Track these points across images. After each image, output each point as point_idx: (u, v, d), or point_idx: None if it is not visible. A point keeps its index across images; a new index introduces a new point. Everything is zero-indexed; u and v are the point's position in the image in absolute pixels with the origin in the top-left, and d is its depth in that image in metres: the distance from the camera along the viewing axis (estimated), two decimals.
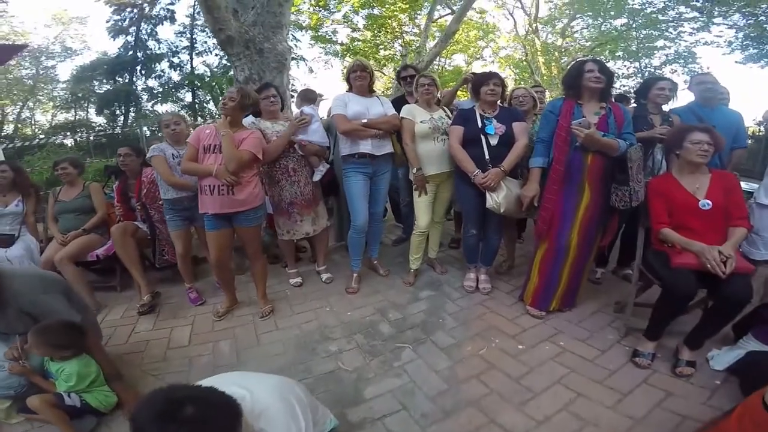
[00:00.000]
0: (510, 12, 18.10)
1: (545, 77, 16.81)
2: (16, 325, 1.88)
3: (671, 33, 14.98)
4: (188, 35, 17.22)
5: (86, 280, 3.10)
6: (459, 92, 3.92)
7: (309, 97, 3.52)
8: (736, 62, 13.93)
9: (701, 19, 13.66)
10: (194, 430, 0.89)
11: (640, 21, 14.96)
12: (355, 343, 2.49)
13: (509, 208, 2.63)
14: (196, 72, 17.27)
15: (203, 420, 0.89)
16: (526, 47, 17.71)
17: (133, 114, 17.30)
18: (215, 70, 16.97)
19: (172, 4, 16.81)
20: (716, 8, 12.90)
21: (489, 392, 2.02)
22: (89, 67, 17.43)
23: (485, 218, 2.86)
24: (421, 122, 2.88)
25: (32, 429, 1.90)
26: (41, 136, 14.10)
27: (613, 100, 2.54)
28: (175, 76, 17.60)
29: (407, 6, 13.18)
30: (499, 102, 2.82)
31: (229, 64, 4.81)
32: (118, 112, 17.55)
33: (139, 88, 17.69)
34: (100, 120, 17.72)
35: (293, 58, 14.63)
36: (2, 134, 16.01)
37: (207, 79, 16.77)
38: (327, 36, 14.77)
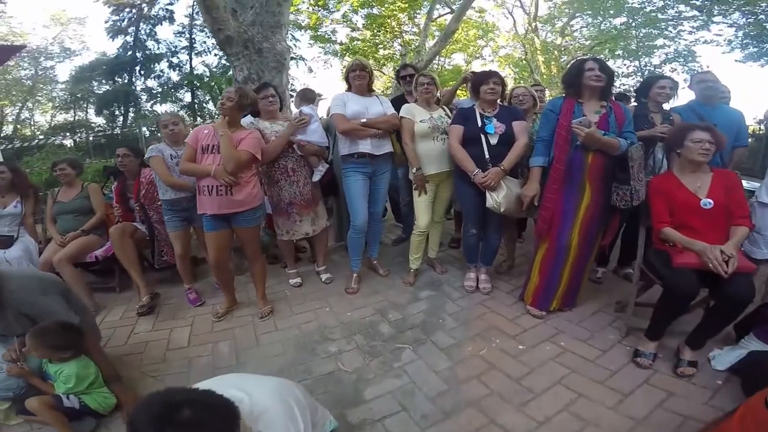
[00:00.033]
0: (509, 11, 18.13)
1: (545, 76, 16.81)
2: (15, 327, 1.88)
3: (671, 32, 14.99)
4: (187, 35, 17.27)
5: (85, 281, 3.09)
6: (458, 91, 3.91)
7: (308, 96, 3.51)
8: (735, 61, 13.99)
9: (701, 17, 13.66)
10: None
11: (639, 19, 14.96)
12: (355, 343, 2.48)
13: (509, 207, 2.62)
14: (195, 72, 17.30)
15: (200, 423, 0.88)
16: (525, 46, 17.71)
17: (132, 114, 17.31)
18: (214, 70, 16.99)
19: (170, 4, 16.88)
20: (716, 7, 12.90)
21: (489, 393, 2.01)
22: (88, 67, 17.46)
23: (485, 218, 2.85)
24: (420, 121, 2.87)
25: (31, 431, 1.90)
26: (40, 137, 14.10)
27: (614, 98, 2.53)
28: (175, 76, 17.69)
29: (406, 5, 13.16)
30: (498, 101, 2.81)
31: (228, 64, 4.81)
32: (117, 112, 17.58)
33: (138, 88, 17.76)
34: (100, 120, 17.77)
35: (292, 58, 14.61)
36: (1, 135, 16.03)
37: (206, 79, 16.79)
38: (326, 35, 14.78)
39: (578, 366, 2.18)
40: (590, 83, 2.32)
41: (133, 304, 3.03)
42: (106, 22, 16.72)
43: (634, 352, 2.20)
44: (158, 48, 17.42)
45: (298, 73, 17.70)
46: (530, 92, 3.20)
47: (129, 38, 17.10)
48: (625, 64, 16.89)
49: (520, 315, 2.72)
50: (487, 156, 2.65)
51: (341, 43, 14.86)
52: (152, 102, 17.67)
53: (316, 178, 3.10)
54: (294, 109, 3.82)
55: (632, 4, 14.77)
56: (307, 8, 13.63)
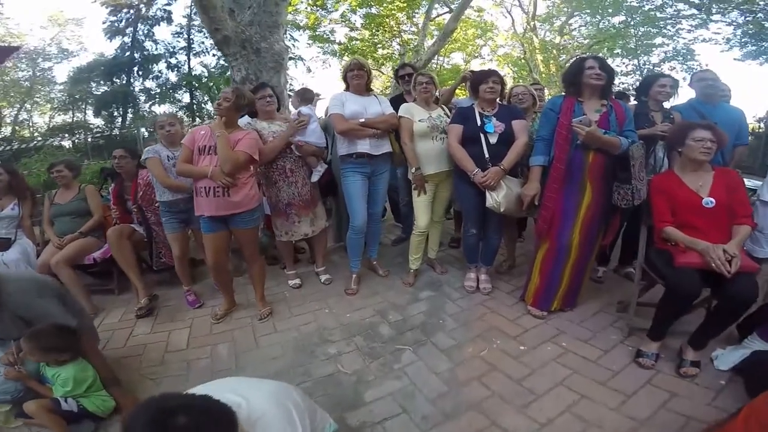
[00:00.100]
0: (508, 10, 18.09)
1: (544, 75, 16.81)
2: (11, 330, 1.86)
3: (669, 30, 15.01)
4: (185, 36, 17.23)
5: (83, 284, 3.07)
6: (457, 90, 3.89)
7: (306, 96, 3.49)
8: (734, 59, 13.97)
9: (699, 16, 13.66)
10: None
11: (638, 18, 14.98)
12: (355, 345, 2.47)
13: (509, 207, 2.60)
14: (193, 72, 17.26)
15: (196, 429, 0.87)
16: (524, 45, 17.69)
17: (131, 115, 17.28)
18: (213, 70, 16.96)
19: (168, 4, 16.83)
20: (714, 5, 12.90)
21: (490, 394, 2.00)
22: (86, 68, 17.42)
23: (485, 217, 2.84)
24: (419, 121, 2.86)
25: None
26: (39, 139, 14.07)
27: (614, 97, 2.51)
28: (173, 76, 17.65)
29: (405, 4, 13.15)
30: (498, 100, 2.79)
31: (226, 64, 4.78)
32: (115, 113, 17.54)
33: (137, 89, 17.72)
34: (98, 121, 17.72)
35: (291, 58, 14.61)
36: (0, 136, 15.97)
37: (205, 80, 16.74)
38: (325, 35, 14.75)
39: (580, 367, 2.17)
40: (590, 82, 2.30)
41: (132, 306, 3.01)
42: (103, 22, 16.70)
43: (637, 352, 2.19)
44: (156, 49, 17.40)
45: (297, 73, 17.73)
46: (530, 91, 3.19)
47: (127, 39, 17.07)
48: (624, 63, 16.94)
49: (520, 315, 2.70)
50: (486, 155, 2.64)
51: (340, 43, 14.85)
52: (151, 103, 17.65)
53: (315, 178, 3.08)
54: (292, 109, 3.81)
55: (631, 2, 14.78)
56: (306, 8, 13.62)
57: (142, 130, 10.62)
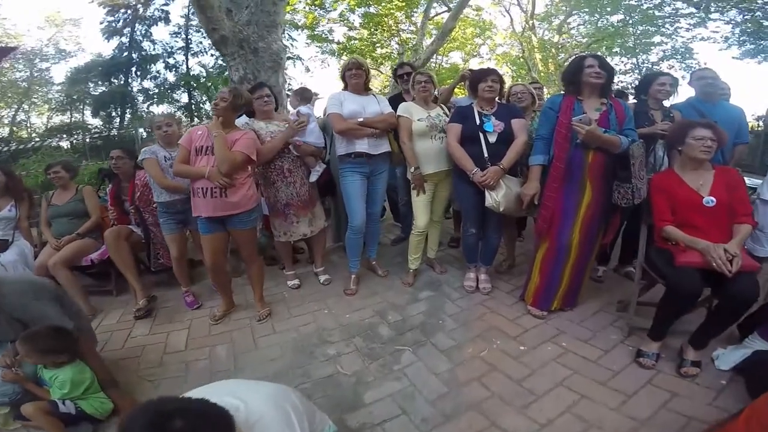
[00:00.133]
0: (506, 9, 18.11)
1: (542, 74, 16.80)
2: (8, 332, 1.85)
3: (668, 29, 15.06)
4: (183, 36, 17.18)
5: (81, 285, 3.05)
6: (456, 90, 3.88)
7: (305, 95, 3.48)
8: (732, 58, 13.98)
9: (698, 14, 13.68)
10: None
11: (636, 17, 15.01)
12: (354, 346, 2.45)
13: (509, 206, 2.59)
14: (191, 73, 17.21)
15: None
16: (522, 44, 17.71)
17: (129, 116, 17.24)
18: (211, 70, 16.90)
19: (166, 4, 16.79)
20: (713, 4, 12.91)
21: (490, 395, 1.99)
22: (84, 68, 17.34)
23: (485, 217, 2.82)
24: (418, 120, 2.84)
25: None
26: (37, 139, 14.04)
27: (613, 95, 2.50)
28: (171, 77, 17.58)
29: (403, 4, 13.14)
30: (497, 99, 2.78)
31: (224, 64, 4.78)
32: (113, 113, 17.49)
33: (135, 89, 17.66)
34: (96, 122, 17.67)
35: (289, 58, 14.60)
36: None
37: (203, 80, 16.69)
38: (323, 35, 14.76)
39: (580, 367, 2.16)
40: (590, 80, 2.29)
41: (130, 308, 3.00)
42: (101, 23, 16.63)
43: (637, 352, 2.18)
44: (154, 49, 17.33)
45: (296, 73, 17.69)
46: (529, 90, 3.18)
47: (124, 39, 17.00)
48: (622, 62, 16.96)
49: (520, 315, 2.69)
50: (485, 154, 2.62)
51: (338, 43, 14.86)
52: (149, 103, 17.58)
53: (313, 178, 3.07)
54: (291, 109, 3.79)
55: (629, 1, 14.82)
56: (304, 7, 13.62)
57: (141, 130, 10.61)
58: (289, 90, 5.37)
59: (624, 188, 2.28)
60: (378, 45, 14.66)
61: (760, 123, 9.58)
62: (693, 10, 13.74)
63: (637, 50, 16.25)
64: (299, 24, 14.21)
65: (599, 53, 13.82)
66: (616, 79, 2.41)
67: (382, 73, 15.89)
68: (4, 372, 1.85)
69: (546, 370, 2.15)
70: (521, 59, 18.10)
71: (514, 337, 2.46)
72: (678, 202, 2.12)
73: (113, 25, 16.66)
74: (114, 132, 15.62)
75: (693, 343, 2.08)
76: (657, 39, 15.66)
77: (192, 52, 17.28)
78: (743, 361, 2.01)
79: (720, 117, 2.62)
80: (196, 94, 17.55)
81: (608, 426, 1.77)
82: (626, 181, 2.25)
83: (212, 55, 16.60)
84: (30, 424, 1.85)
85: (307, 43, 15.51)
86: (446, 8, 12.56)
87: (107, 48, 17.67)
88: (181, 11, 17.20)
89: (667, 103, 2.88)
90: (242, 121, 2.85)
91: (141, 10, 16.67)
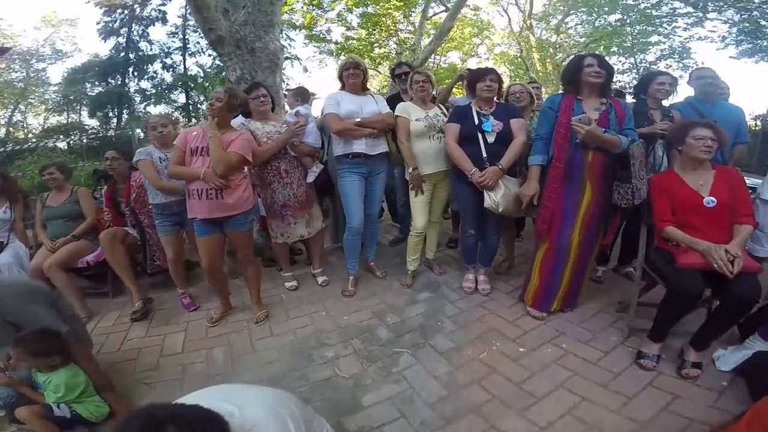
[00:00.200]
0: (504, 8, 18.10)
1: (540, 74, 16.81)
2: (1, 336, 1.83)
3: (665, 28, 15.09)
4: (180, 36, 17.11)
5: (76, 287, 3.02)
6: (454, 89, 3.86)
7: (303, 95, 3.46)
8: (730, 57, 14.00)
9: (695, 14, 13.70)
10: None
11: (634, 16, 15.04)
12: (352, 348, 2.44)
13: (508, 207, 2.57)
14: (189, 73, 17.15)
15: None
16: (520, 44, 17.72)
17: (126, 116, 17.17)
18: (208, 70, 16.86)
19: (163, 4, 16.69)
20: (710, 3, 12.94)
21: (490, 398, 1.97)
22: (81, 69, 17.27)
23: (483, 218, 2.81)
24: (416, 120, 2.82)
25: None
26: (33, 140, 13.97)
27: (613, 95, 2.49)
28: (168, 77, 17.48)
29: (401, 3, 13.13)
30: (495, 98, 2.76)
31: (222, 64, 4.76)
32: (111, 114, 17.41)
33: (132, 89, 17.56)
34: (93, 123, 17.58)
35: (287, 58, 14.57)
36: None
37: (200, 80, 16.65)
38: (321, 35, 14.73)
39: (580, 368, 2.14)
40: (589, 80, 2.28)
41: (127, 310, 2.98)
42: (97, 23, 16.52)
43: (637, 353, 2.17)
44: (151, 49, 17.24)
45: (293, 73, 17.67)
46: (527, 89, 3.16)
47: (121, 39, 16.91)
48: (620, 61, 16.97)
49: (520, 316, 2.67)
50: (484, 155, 2.61)
51: (336, 43, 14.83)
52: (146, 103, 17.51)
53: (311, 179, 3.04)
54: (288, 109, 3.77)
55: (627, 1, 14.81)
56: (302, 7, 13.58)
57: (138, 131, 10.54)
58: (286, 90, 5.34)
59: (624, 188, 2.26)
60: (376, 45, 14.64)
61: (758, 122, 9.60)
62: (690, 9, 13.76)
63: (635, 50, 16.28)
64: (297, 24, 14.18)
65: (597, 52, 13.91)
66: (614, 79, 2.39)
67: (380, 73, 15.87)
68: None
69: (546, 373, 2.13)
70: (519, 59, 18.12)
71: (514, 338, 2.45)
72: (678, 203, 2.11)
73: (110, 25, 16.58)
74: (111, 133, 15.53)
75: (694, 345, 2.06)
76: (654, 38, 15.71)
77: (189, 52, 17.22)
78: (744, 363, 2.00)
79: (719, 116, 2.61)
80: (193, 94, 17.48)
81: (609, 428, 1.76)
82: (626, 181, 2.24)
83: (210, 56, 16.56)
84: (25, 428, 1.83)
85: (305, 43, 15.59)
86: (444, 8, 12.56)
87: (104, 48, 17.60)
88: (179, 11, 17.11)
89: (666, 103, 2.87)
90: (238, 121, 2.82)
91: (138, 10, 16.60)
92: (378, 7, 13.33)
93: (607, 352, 2.27)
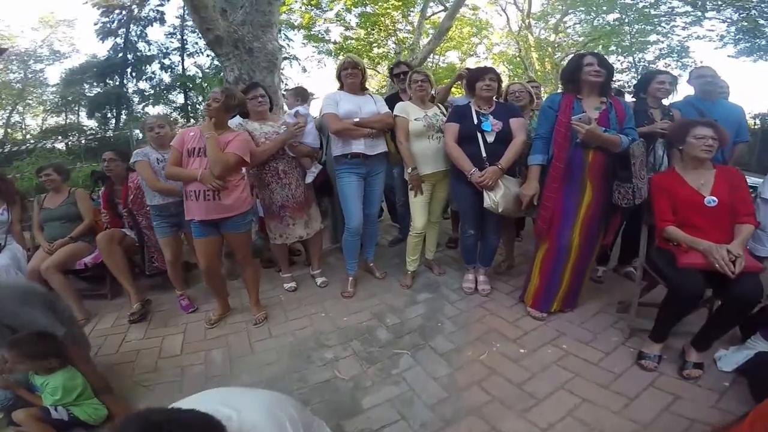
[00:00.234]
0: (503, 8, 18.10)
1: (539, 73, 16.82)
2: None
3: (664, 27, 15.08)
4: (179, 36, 17.07)
5: (74, 289, 3.00)
6: (453, 89, 3.85)
7: (302, 95, 3.44)
8: (728, 56, 14.01)
9: (693, 13, 13.71)
10: None
11: (632, 15, 15.05)
12: (352, 350, 2.42)
13: (508, 207, 2.56)
14: (187, 73, 17.12)
15: None
16: (519, 43, 17.73)
17: (124, 117, 17.15)
18: (207, 71, 16.82)
19: (161, 5, 16.66)
20: (708, 2, 12.94)
21: (490, 399, 1.96)
22: (79, 70, 17.23)
23: (483, 218, 2.79)
24: (415, 120, 2.81)
25: None
26: (31, 141, 13.95)
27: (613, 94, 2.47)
28: (167, 77, 17.44)
29: (400, 3, 13.12)
30: (495, 98, 2.74)
31: (220, 64, 4.75)
32: (109, 115, 17.38)
33: (130, 90, 17.52)
34: (92, 123, 17.55)
35: (285, 58, 14.55)
36: None
37: (199, 81, 16.63)
38: (320, 35, 14.72)
39: (581, 369, 2.13)
40: (589, 78, 2.26)
41: (125, 311, 2.97)
42: (95, 24, 16.48)
43: (639, 354, 2.15)
44: (149, 49, 17.19)
45: (292, 73, 17.65)
46: (527, 88, 3.14)
47: (119, 40, 16.87)
48: (619, 60, 16.96)
49: (520, 317, 2.66)
50: (483, 154, 2.59)
51: (335, 42, 14.82)
52: (144, 104, 17.48)
53: (309, 179, 3.03)
54: (287, 109, 3.75)
55: (625, 0, 14.80)
56: (300, 7, 13.56)
57: (136, 131, 10.54)
58: (285, 90, 5.33)
59: (624, 188, 2.24)
60: (375, 45, 14.63)
61: (757, 121, 9.60)
62: (689, 8, 13.77)
63: (634, 49, 16.29)
64: (295, 24, 14.16)
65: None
66: (613, 78, 2.39)
67: (379, 72, 15.87)
68: None
69: (546, 374, 2.12)
70: (518, 58, 18.13)
71: (514, 339, 2.43)
72: (679, 202, 2.10)
73: (108, 26, 16.54)
74: (110, 133, 15.51)
75: (695, 345, 2.05)
76: (653, 38, 15.73)
77: (188, 52, 17.18)
78: (746, 363, 1.98)
79: (719, 115, 2.60)
80: (192, 95, 17.44)
81: (610, 430, 1.74)
82: (627, 180, 2.22)
83: (208, 56, 16.50)
84: (22, 431, 1.81)
85: (303, 44, 15.61)
86: (443, 7, 12.55)
87: (102, 49, 17.50)
88: (177, 12, 17.07)
89: (666, 102, 2.86)
90: (236, 121, 2.81)
91: (136, 10, 16.58)
92: (377, 6, 13.32)
93: (608, 353, 2.25)
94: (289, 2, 12.58)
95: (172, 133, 2.94)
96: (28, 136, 16.94)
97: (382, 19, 13.68)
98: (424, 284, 3.20)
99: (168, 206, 2.82)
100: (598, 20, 16.47)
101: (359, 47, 14.20)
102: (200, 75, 16.93)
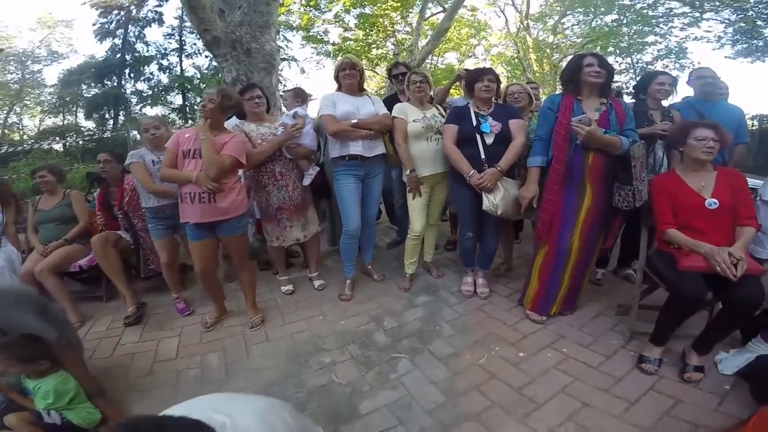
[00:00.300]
0: (501, 9, 18.17)
1: (537, 74, 16.87)
2: None
3: (662, 28, 15.13)
4: (177, 37, 17.10)
5: (68, 292, 2.98)
6: (452, 90, 3.84)
7: (302, 96, 3.43)
8: (725, 57, 14.04)
9: (691, 14, 13.75)
10: None
11: (630, 17, 15.11)
12: (349, 354, 2.39)
13: (507, 209, 2.54)
14: (185, 74, 17.14)
15: None
16: (517, 44, 17.76)
17: (122, 118, 17.13)
18: (205, 71, 16.85)
19: (159, 6, 16.70)
20: (706, 3, 12.98)
21: (490, 404, 1.94)
22: (77, 70, 17.27)
23: (482, 220, 2.77)
24: (413, 121, 2.78)
25: None
26: (29, 142, 13.93)
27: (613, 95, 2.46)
28: (165, 78, 17.48)
29: (399, 4, 13.14)
30: (494, 99, 2.72)
31: (218, 65, 4.75)
32: (107, 116, 17.38)
33: (128, 91, 17.56)
34: (89, 124, 17.55)
35: (284, 59, 14.57)
36: None
37: (197, 82, 16.64)
38: (318, 36, 14.73)
39: (581, 373, 2.11)
40: (589, 79, 2.24)
41: (120, 314, 2.94)
42: (93, 24, 16.54)
43: (639, 357, 2.13)
44: (147, 50, 17.25)
45: (291, 74, 17.65)
46: (526, 89, 3.13)
47: (117, 41, 16.91)
48: (617, 61, 17.00)
49: (519, 320, 2.64)
50: (482, 156, 2.57)
51: (334, 44, 14.82)
52: (142, 105, 17.49)
53: (307, 182, 3.00)
54: (285, 110, 3.73)
55: (623, 1, 14.86)
56: (299, 8, 13.58)
57: (134, 132, 10.53)
58: (283, 91, 5.32)
59: (625, 190, 2.22)
60: (373, 46, 14.65)
61: (755, 122, 9.62)
62: (687, 9, 13.81)
63: (632, 50, 16.33)
64: (294, 25, 14.17)
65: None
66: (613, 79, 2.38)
67: (377, 74, 15.88)
68: None
69: (546, 378, 2.10)
70: (516, 60, 18.16)
71: (513, 343, 2.41)
72: (679, 204, 2.08)
73: (106, 26, 16.58)
74: (107, 134, 15.49)
75: (696, 348, 2.03)
76: (651, 39, 15.77)
77: (186, 53, 17.23)
78: (747, 366, 1.97)
79: (719, 117, 2.57)
80: (190, 95, 17.47)
81: None
82: (627, 183, 2.20)
83: (206, 57, 16.54)
84: None
85: (302, 45, 15.48)
86: (441, 9, 12.57)
87: (100, 50, 17.53)
88: (175, 12, 17.08)
89: (665, 103, 2.85)
90: (233, 123, 2.79)
91: (134, 11, 16.59)
92: (375, 8, 13.34)
93: (608, 356, 2.23)
94: (287, 3, 12.59)
95: (167, 135, 2.90)
96: (25, 137, 16.96)
97: (381, 20, 13.70)
98: (423, 287, 3.18)
99: (163, 208, 2.79)
100: (596, 21, 16.54)
101: (358, 48, 14.22)
102: (198, 76, 16.95)
